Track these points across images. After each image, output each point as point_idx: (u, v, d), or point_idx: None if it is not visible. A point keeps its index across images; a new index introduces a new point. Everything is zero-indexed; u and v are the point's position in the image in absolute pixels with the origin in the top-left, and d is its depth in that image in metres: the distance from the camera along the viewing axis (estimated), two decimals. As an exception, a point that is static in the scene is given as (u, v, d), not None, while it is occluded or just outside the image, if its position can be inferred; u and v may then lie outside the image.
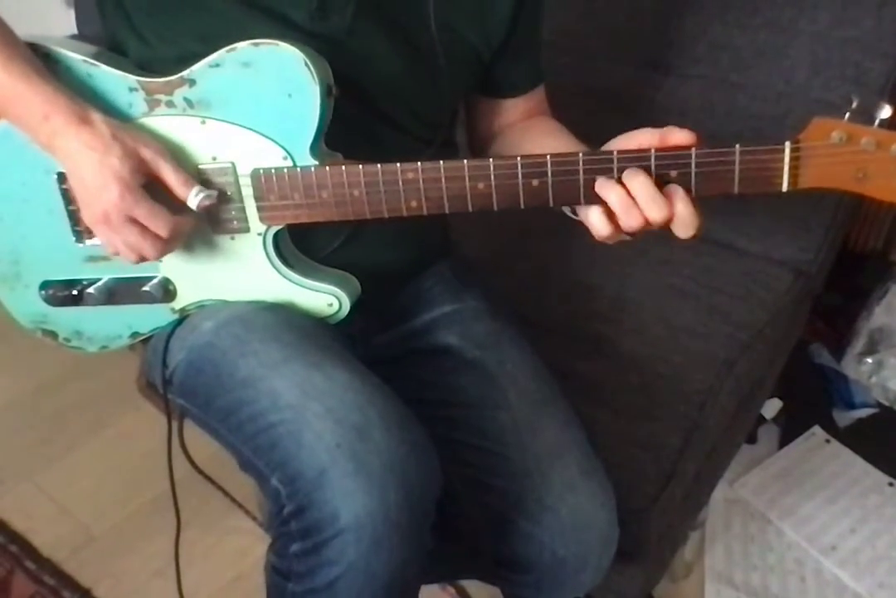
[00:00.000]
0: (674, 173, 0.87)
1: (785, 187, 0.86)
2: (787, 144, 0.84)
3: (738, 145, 0.85)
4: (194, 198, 0.93)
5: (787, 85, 1.49)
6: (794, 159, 0.85)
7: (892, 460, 1.77)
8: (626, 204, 0.87)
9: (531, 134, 1.16)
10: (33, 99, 0.90)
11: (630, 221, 0.88)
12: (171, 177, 0.92)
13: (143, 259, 0.95)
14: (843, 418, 1.89)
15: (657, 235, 1.58)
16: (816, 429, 1.85)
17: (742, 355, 1.39)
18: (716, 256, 1.57)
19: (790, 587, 1.56)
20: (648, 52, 1.60)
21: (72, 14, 1.87)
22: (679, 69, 1.58)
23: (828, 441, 1.83)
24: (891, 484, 1.73)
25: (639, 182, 0.87)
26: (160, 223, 0.91)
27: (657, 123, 1.56)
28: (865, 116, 0.81)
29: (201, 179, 0.97)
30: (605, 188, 0.88)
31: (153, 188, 0.93)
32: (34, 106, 0.90)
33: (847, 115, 0.82)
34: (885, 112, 0.81)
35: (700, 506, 1.60)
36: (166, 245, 0.94)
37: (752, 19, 1.51)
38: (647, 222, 0.88)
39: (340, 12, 0.97)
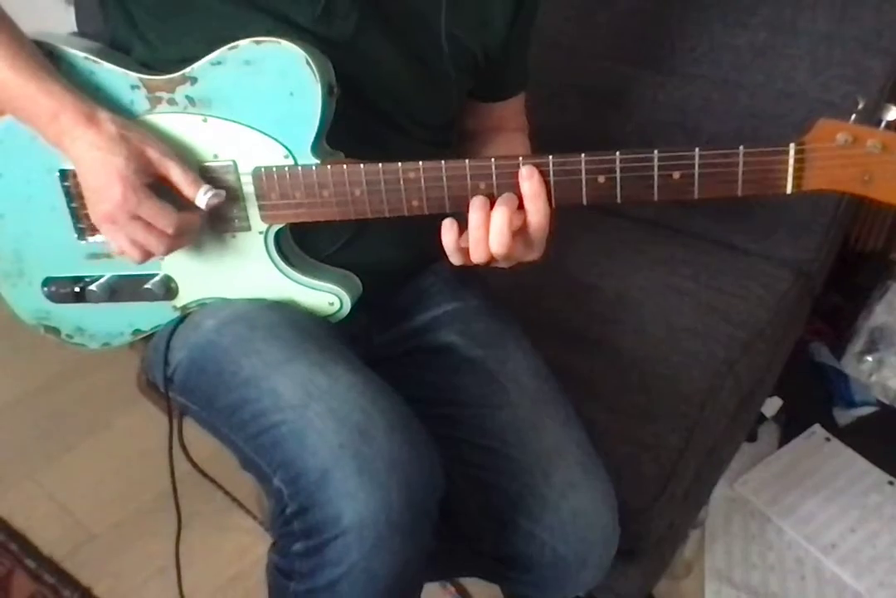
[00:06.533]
0: (677, 174, 0.87)
1: (789, 190, 0.85)
2: (792, 145, 0.83)
3: (741, 146, 0.85)
4: (203, 196, 0.93)
5: (787, 85, 1.49)
6: (799, 161, 0.84)
7: (893, 459, 1.77)
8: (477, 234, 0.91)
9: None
10: (42, 98, 0.90)
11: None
12: (179, 177, 0.92)
13: (148, 256, 0.95)
14: (844, 416, 1.89)
15: (657, 235, 1.60)
16: (817, 427, 1.86)
17: (742, 354, 1.39)
18: (716, 256, 1.57)
19: (790, 586, 1.56)
20: (648, 52, 1.60)
21: (72, 12, 1.87)
22: (679, 69, 1.58)
23: (828, 440, 1.83)
24: (891, 483, 1.73)
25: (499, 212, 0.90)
26: (165, 221, 0.91)
27: (657, 123, 1.58)
28: (872, 117, 0.80)
29: (203, 177, 0.96)
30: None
31: (158, 185, 0.93)
32: (43, 105, 0.90)
33: (853, 116, 0.81)
34: (892, 114, 0.80)
35: (700, 505, 1.60)
36: (173, 241, 0.94)
37: (752, 19, 1.51)
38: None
39: (345, 17, 0.97)
